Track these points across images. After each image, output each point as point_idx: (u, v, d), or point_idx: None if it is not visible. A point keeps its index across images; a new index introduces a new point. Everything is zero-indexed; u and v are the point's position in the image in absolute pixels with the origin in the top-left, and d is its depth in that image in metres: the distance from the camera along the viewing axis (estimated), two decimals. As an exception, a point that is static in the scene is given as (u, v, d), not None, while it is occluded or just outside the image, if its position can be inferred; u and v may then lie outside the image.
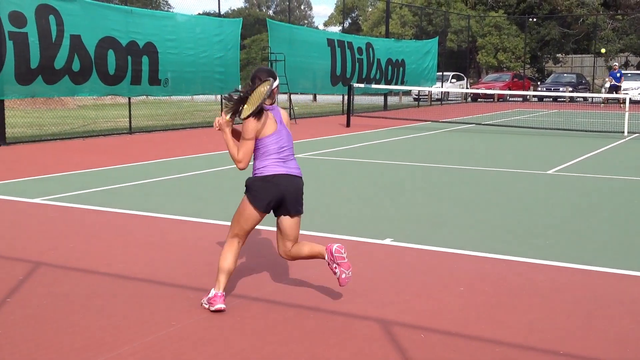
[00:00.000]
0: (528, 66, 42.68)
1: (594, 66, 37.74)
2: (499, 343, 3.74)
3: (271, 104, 4.32)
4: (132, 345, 3.66)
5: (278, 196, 4.19)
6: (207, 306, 4.22)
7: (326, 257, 4.27)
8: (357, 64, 24.73)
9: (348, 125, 18.77)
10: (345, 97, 21.70)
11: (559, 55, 44.73)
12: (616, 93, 28.46)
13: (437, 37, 32.60)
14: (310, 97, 38.10)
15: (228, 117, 4.19)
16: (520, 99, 35.64)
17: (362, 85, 22.61)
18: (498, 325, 4.00)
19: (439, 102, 33.01)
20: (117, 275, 4.94)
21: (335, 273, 4.24)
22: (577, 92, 33.32)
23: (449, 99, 36.29)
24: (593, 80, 37.81)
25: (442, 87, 32.84)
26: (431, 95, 32.61)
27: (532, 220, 6.92)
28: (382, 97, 28.04)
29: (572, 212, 7.37)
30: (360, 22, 59.40)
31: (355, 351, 3.61)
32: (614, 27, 39.66)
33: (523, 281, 4.86)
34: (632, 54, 41.68)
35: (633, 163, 11.44)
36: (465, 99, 35.95)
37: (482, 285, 4.75)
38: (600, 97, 30.59)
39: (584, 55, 45.09)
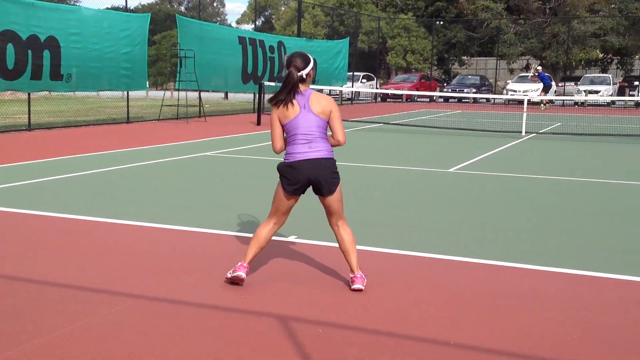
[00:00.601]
0: (435, 68, 43.94)
1: (496, 68, 39.24)
2: (394, 335, 3.85)
3: (303, 89, 4.48)
4: (19, 349, 3.54)
5: (305, 180, 4.44)
6: (230, 275, 4.61)
7: (351, 275, 4.65)
8: (268, 63, 24.73)
9: (259, 123, 18.76)
10: (257, 96, 21.65)
11: (464, 57, 46.29)
12: (545, 94, 29.76)
13: (349, 38, 33.04)
14: (222, 95, 37.78)
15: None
16: (427, 99, 36.62)
17: (273, 84, 22.62)
18: (395, 318, 4.12)
19: (350, 102, 33.47)
20: (9, 277, 4.76)
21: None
22: (480, 93, 34.56)
23: (360, 98, 36.86)
24: (495, 82, 39.32)
25: (352, 86, 33.30)
26: (342, 94, 33.01)
27: (434, 216, 7.15)
28: (294, 96, 28.12)
29: (472, 208, 7.65)
30: (273, 20, 59.39)
31: (253, 347, 3.64)
32: (516, 31, 41.40)
33: (423, 275, 5.02)
34: (532, 57, 43.63)
35: (529, 161, 11.99)
36: (375, 98, 36.61)
37: (382, 280, 4.87)
38: (502, 99, 31.84)
39: (487, 58, 46.87)
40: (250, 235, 6.10)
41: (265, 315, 4.10)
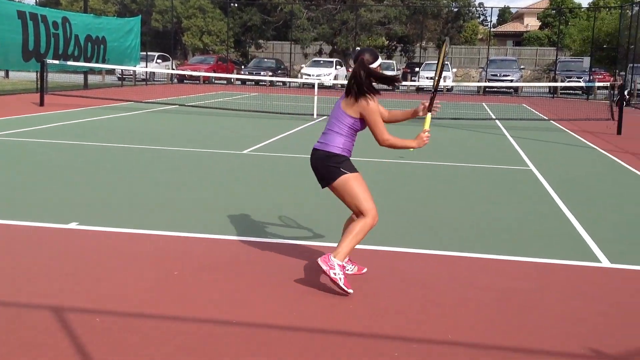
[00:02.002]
0: (232, 50, 43.97)
1: (291, 52, 40.20)
2: (182, 319, 3.79)
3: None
4: None
5: (313, 169, 4.50)
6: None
7: (350, 268, 4.66)
8: (52, 39, 23.09)
9: (42, 104, 17.51)
10: (39, 74, 20.14)
11: (260, 41, 46.82)
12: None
13: (140, 16, 31.89)
14: (2, 73, 34.69)
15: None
16: (225, 81, 36.59)
17: (57, 62, 21.21)
18: (185, 303, 4.06)
19: (144, 82, 32.42)
20: None
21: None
22: (276, 76, 35.22)
23: (155, 79, 35.83)
24: (291, 66, 40.29)
25: (147, 67, 32.26)
26: (135, 74, 31.87)
27: (228, 197, 7.16)
28: (82, 75, 26.65)
29: (266, 188, 7.78)
30: (59, -6, 55.52)
31: (23, 342, 3.39)
32: (309, 16, 42.69)
33: (207, 257, 5.01)
34: (325, 43, 45.30)
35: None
36: (171, 80, 35.81)
37: (169, 265, 4.78)
38: (297, 82, 32.71)
39: (283, 42, 47.85)
40: (19, 223, 5.71)
41: (38, 309, 3.85)
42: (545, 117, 20.02)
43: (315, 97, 18.09)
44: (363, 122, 4.40)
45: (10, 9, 21.47)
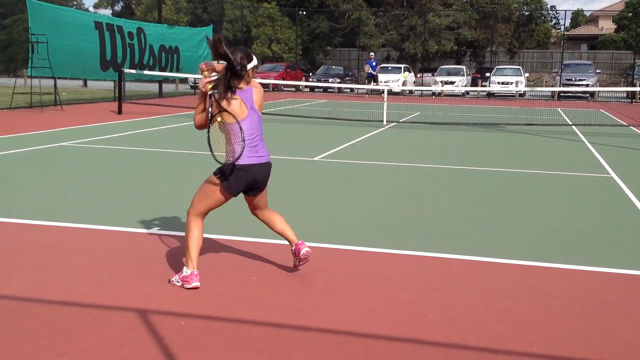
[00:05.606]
0: (301, 57, 44.40)
1: (359, 59, 40.27)
2: (256, 323, 3.85)
3: (244, 86, 4.42)
4: None
5: (250, 183, 4.47)
6: (179, 284, 4.40)
7: (292, 248, 4.67)
8: (128, 49, 23.84)
9: (120, 112, 18.10)
10: (117, 83, 20.83)
11: (328, 48, 47.07)
12: (374, 83, 30.66)
13: (212, 25, 32.58)
14: (81, 82, 36.08)
15: (209, 88, 4.38)
16: (294, 89, 36.94)
17: (133, 71, 21.88)
18: (256, 307, 4.12)
19: (215, 91, 33.03)
20: None
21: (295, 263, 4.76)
22: (344, 83, 35.30)
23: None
24: (358, 72, 40.35)
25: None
26: (207, 83, 32.47)
27: (298, 203, 7.20)
28: (157, 84, 27.40)
29: (336, 195, 7.79)
30: (133, 5, 57.40)
31: (110, 343, 3.50)
32: (377, 23, 42.66)
33: (278, 262, 5.05)
34: (392, 49, 45.16)
35: (390, 149, 12.40)
36: (241, 87, 36.35)
37: (244, 269, 4.85)
38: (364, 89, 32.70)
39: (350, 49, 47.95)
40: (92, 226, 5.88)
41: (124, 311, 3.96)
42: (624, 123, 19.34)
43: (385, 104, 18.03)
44: None
45: (88, 20, 22.32)
